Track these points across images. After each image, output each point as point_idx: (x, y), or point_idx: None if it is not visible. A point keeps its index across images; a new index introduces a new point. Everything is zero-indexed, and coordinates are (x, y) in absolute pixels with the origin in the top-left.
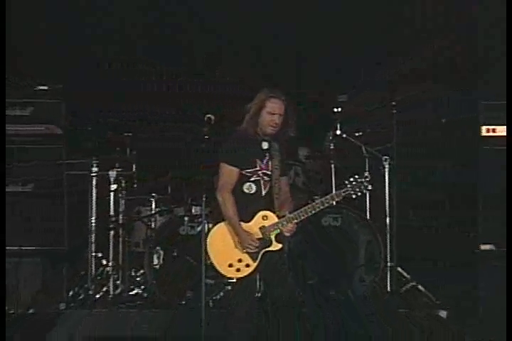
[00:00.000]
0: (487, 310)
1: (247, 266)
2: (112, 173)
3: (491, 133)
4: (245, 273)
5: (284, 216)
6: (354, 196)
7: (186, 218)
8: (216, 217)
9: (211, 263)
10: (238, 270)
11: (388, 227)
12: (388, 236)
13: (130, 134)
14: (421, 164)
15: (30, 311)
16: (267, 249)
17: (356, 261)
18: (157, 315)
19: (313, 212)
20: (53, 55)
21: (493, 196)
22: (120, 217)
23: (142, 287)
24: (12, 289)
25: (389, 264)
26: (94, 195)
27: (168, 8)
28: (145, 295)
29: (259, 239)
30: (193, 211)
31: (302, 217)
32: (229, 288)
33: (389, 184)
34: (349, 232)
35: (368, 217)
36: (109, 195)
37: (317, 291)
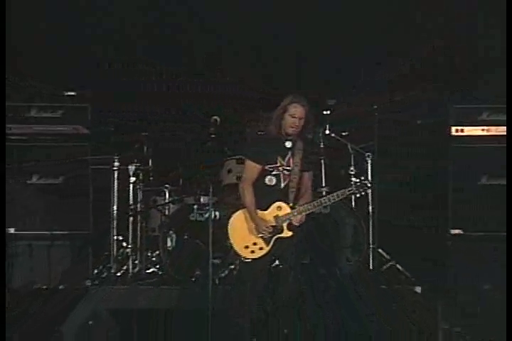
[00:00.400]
0: (456, 286)
1: (261, 248)
2: (131, 167)
3: (459, 133)
4: (258, 255)
5: (292, 207)
6: (358, 195)
7: (195, 206)
8: (221, 205)
9: (230, 244)
10: (252, 252)
11: (371, 214)
12: (370, 222)
13: (146, 134)
14: (399, 159)
15: (61, 287)
16: (278, 236)
17: (343, 244)
18: (170, 291)
19: (320, 206)
20: (81, 64)
21: (461, 187)
22: (138, 205)
23: (157, 266)
24: (44, 268)
25: (371, 246)
26: (115, 186)
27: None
28: (160, 273)
29: (272, 226)
30: (201, 200)
31: (310, 210)
32: (232, 267)
33: (371, 177)
34: (337, 219)
35: (353, 206)
36: (129, 187)
37: (310, 269)
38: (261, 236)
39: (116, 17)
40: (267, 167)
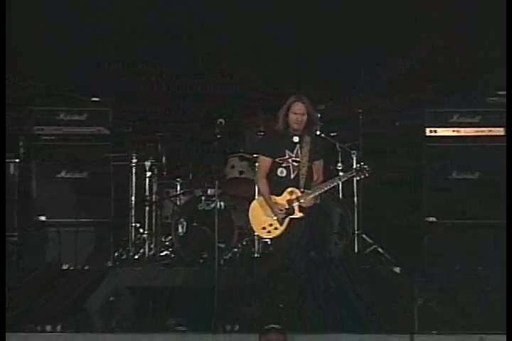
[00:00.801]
0: (430, 266)
1: (276, 229)
2: (147, 163)
3: (433, 134)
4: (274, 235)
5: (303, 192)
6: (358, 178)
7: (203, 197)
8: (226, 197)
9: (250, 226)
10: (269, 232)
11: (355, 204)
12: (355, 210)
13: (160, 134)
14: (380, 156)
15: (86, 268)
16: (291, 216)
17: (332, 230)
18: (181, 271)
19: (325, 189)
20: (102, 74)
21: (434, 180)
22: (153, 196)
23: (170, 249)
24: (71, 251)
25: (356, 232)
26: (133, 180)
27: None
28: (172, 255)
29: (286, 208)
30: (208, 192)
31: (316, 193)
32: (235, 250)
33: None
34: (326, 208)
35: (341, 197)
36: (145, 180)
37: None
38: (276, 218)
39: (132, 24)
40: (277, 160)
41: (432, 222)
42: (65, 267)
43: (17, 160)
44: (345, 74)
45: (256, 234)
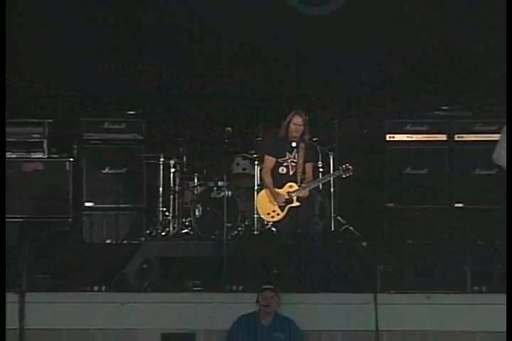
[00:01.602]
0: (390, 241)
1: (278, 214)
2: (171, 162)
3: (391, 139)
4: (276, 219)
5: (300, 185)
6: (344, 176)
7: (215, 188)
8: (232, 188)
9: (257, 212)
10: (272, 216)
11: (332, 193)
12: (332, 198)
13: (181, 139)
14: (351, 156)
15: (124, 242)
16: (290, 205)
17: (313, 212)
18: (197, 245)
19: (317, 184)
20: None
21: (393, 174)
22: (176, 187)
23: (189, 228)
24: (113, 230)
25: (332, 214)
26: (161, 174)
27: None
28: (191, 233)
29: (286, 199)
30: (218, 184)
31: (310, 187)
32: (239, 228)
33: (332, 168)
34: (309, 196)
35: (320, 187)
36: (170, 174)
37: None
38: (278, 206)
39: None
40: (279, 160)
41: (391, 207)
42: (108, 241)
43: (71, 159)
44: (326, 91)
45: (261, 217)
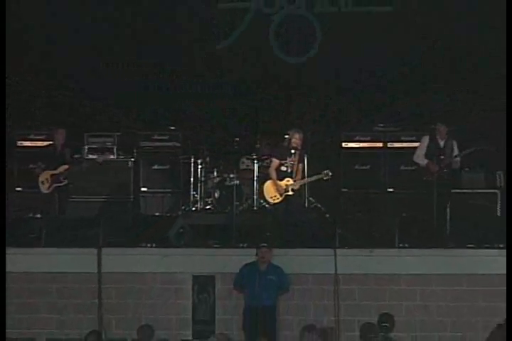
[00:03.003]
0: (346, 212)
1: (278, 198)
2: (199, 161)
3: (346, 145)
4: (276, 202)
5: (295, 181)
6: (324, 179)
7: (228, 178)
8: (239, 178)
9: (264, 196)
10: (274, 200)
11: (306, 183)
12: (306, 187)
13: (204, 146)
14: (318, 157)
15: (167, 214)
16: (286, 193)
17: (301, 199)
18: (217, 216)
19: (305, 182)
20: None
21: (347, 169)
22: (202, 178)
23: (211, 205)
24: (159, 206)
25: (307, 197)
26: (191, 169)
27: None
28: (212, 208)
29: (284, 188)
30: (230, 175)
31: (302, 183)
32: (244, 206)
33: (306, 165)
34: (299, 188)
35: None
36: (197, 169)
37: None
38: (278, 193)
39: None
40: (282, 162)
41: (345, 191)
42: (156, 214)
43: (132, 159)
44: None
45: (265, 199)
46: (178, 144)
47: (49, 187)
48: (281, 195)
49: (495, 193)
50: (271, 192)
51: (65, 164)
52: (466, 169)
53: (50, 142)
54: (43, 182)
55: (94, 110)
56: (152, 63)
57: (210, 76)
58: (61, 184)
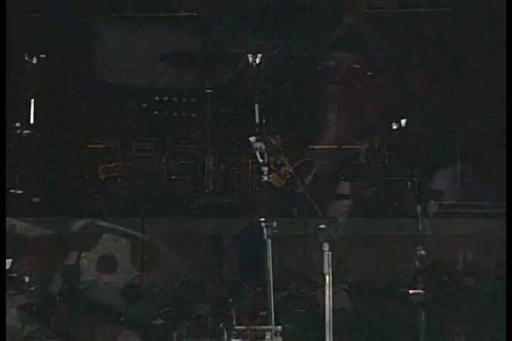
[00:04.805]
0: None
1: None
2: (211, 158)
3: (315, 147)
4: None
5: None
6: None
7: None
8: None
9: (272, 181)
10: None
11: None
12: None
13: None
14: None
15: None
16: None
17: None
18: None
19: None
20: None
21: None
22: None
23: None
24: (187, 189)
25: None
26: (205, 163)
27: None
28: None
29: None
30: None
31: (289, 176)
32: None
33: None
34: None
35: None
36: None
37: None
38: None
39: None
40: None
41: (312, 178)
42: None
43: (164, 158)
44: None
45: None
46: (194, 146)
47: (106, 175)
48: (282, 180)
49: None
50: (273, 179)
51: (115, 161)
52: None
53: (108, 145)
54: (101, 172)
55: (136, 121)
56: None
57: None
58: (111, 174)
